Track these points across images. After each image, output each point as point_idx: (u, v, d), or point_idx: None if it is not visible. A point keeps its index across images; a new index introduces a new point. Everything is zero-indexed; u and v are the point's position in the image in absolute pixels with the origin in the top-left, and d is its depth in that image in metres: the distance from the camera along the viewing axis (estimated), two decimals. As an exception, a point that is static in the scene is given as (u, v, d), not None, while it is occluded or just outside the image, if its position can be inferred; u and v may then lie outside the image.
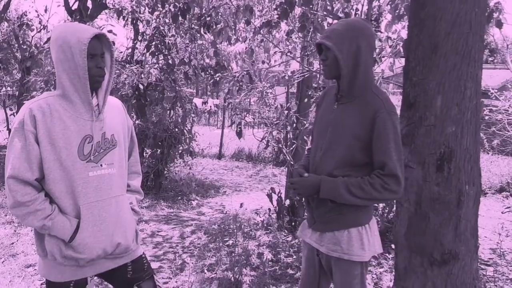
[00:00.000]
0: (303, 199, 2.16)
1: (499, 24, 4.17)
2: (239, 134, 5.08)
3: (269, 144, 5.38)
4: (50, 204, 1.76)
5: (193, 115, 7.33)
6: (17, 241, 4.59)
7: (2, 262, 4.04)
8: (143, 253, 2.05)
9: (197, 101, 8.24)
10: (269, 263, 4.15)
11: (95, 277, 1.94)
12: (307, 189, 1.94)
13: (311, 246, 2.11)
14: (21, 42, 8.67)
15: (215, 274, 3.83)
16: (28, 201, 1.72)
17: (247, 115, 5.67)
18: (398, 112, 2.45)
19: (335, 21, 4.65)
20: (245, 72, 5.43)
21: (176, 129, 6.96)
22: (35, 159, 1.73)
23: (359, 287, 2.00)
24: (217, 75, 5.35)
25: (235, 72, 5.45)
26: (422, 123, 2.08)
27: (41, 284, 3.60)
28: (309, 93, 5.09)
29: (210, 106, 17.74)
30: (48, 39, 9.43)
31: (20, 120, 1.74)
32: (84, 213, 1.79)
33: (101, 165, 1.85)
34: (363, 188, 1.82)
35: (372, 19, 4.33)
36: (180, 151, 7.21)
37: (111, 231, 1.85)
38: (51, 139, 1.74)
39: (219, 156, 11.61)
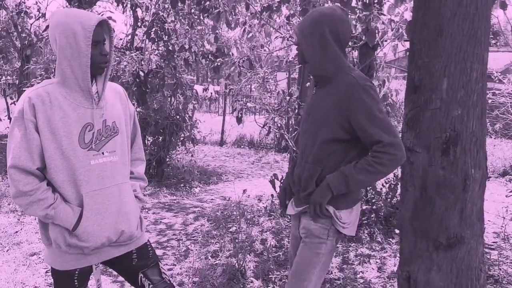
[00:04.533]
0: (291, 179, 2.18)
1: (504, 5, 4.10)
2: (239, 120, 5.05)
3: (271, 130, 5.35)
4: (53, 193, 1.75)
5: (194, 102, 7.29)
6: (21, 229, 4.60)
7: (7, 251, 4.05)
8: (148, 240, 2.04)
9: (198, 88, 8.18)
10: (273, 249, 4.16)
11: (100, 265, 1.93)
12: (322, 198, 1.94)
13: (296, 224, 2.15)
14: (20, 30, 8.60)
15: (219, 261, 3.84)
16: (30, 190, 1.70)
17: (249, 101, 5.63)
18: (403, 95, 2.44)
19: (337, 4, 4.59)
20: (245, 58, 5.38)
21: (178, 116, 6.93)
22: (36, 148, 1.71)
23: (316, 266, 1.98)
24: (218, 60, 5.29)
25: (235, 58, 5.40)
26: (428, 107, 2.04)
27: (46, 272, 3.61)
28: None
29: (211, 93, 17.67)
30: (47, 26, 9.35)
31: (20, 109, 1.72)
32: (87, 202, 1.77)
33: (102, 153, 1.83)
34: (371, 171, 1.85)
35: (375, 1, 4.26)
36: (181, 138, 7.20)
37: (114, 219, 1.84)
38: (51, 127, 1.72)
39: (221, 143, 11.60)
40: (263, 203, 5.77)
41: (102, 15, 6.75)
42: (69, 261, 1.81)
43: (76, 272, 1.84)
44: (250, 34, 5.00)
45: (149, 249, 2.03)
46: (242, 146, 11.36)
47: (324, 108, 1.95)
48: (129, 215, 1.90)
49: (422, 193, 2.08)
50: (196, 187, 6.90)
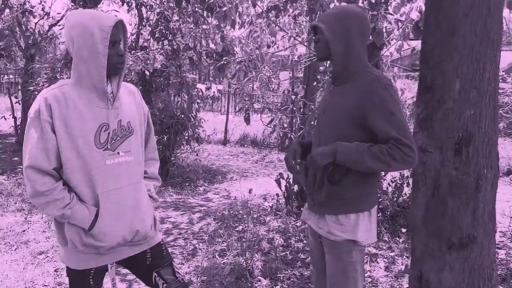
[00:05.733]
0: (305, 179, 2.13)
1: (511, 5, 4.10)
2: (247, 120, 5.07)
3: (276, 129, 5.37)
4: (69, 193, 1.76)
5: (198, 101, 7.30)
6: (28, 228, 4.62)
7: (15, 250, 4.07)
8: (162, 239, 2.05)
9: (201, 87, 8.18)
10: (280, 248, 4.17)
11: (115, 264, 1.94)
12: (323, 157, 1.90)
13: (313, 230, 2.11)
14: (24, 29, 8.61)
15: (227, 260, 3.86)
16: (47, 190, 1.71)
17: (254, 101, 5.64)
18: (407, 94, 2.44)
19: (343, 3, 4.59)
20: (251, 57, 5.39)
21: (182, 115, 6.94)
22: (52, 148, 1.72)
23: (353, 275, 1.96)
24: (224, 58, 5.30)
25: (241, 57, 5.41)
26: (440, 107, 2.05)
27: (55, 270, 3.63)
28: (318, 77, 5.05)
29: (214, 92, 17.65)
30: (51, 26, 9.37)
31: (36, 110, 1.73)
32: (102, 202, 1.78)
33: (118, 153, 1.84)
34: (381, 159, 1.80)
35: (382, 1, 4.26)
36: (186, 138, 7.21)
37: (129, 218, 1.85)
38: (67, 128, 1.73)
39: (224, 142, 11.60)
40: (268, 202, 5.78)
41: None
42: (85, 261, 1.83)
43: (92, 272, 1.85)
44: (256, 34, 5.00)
45: (163, 248, 2.04)
46: (245, 145, 11.36)
47: (341, 105, 1.92)
48: (144, 214, 1.91)
49: (434, 193, 2.09)
50: (201, 186, 6.91)
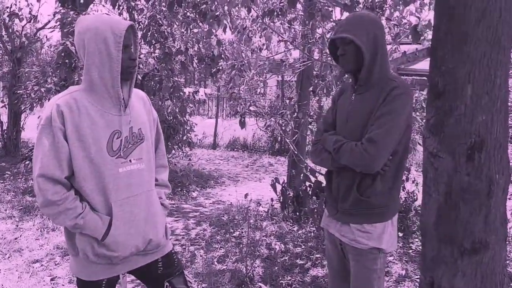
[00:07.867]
0: (325, 188, 2.14)
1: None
2: (243, 124, 5.04)
3: (267, 133, 5.35)
4: (81, 202, 1.72)
5: (191, 105, 7.24)
6: (20, 236, 4.52)
7: (8, 258, 3.97)
8: (173, 248, 2.01)
9: (190, 91, 8.13)
10: (278, 254, 4.14)
11: (127, 274, 1.90)
12: None
13: (334, 236, 2.10)
14: (11, 32, 8.46)
15: (226, 266, 3.82)
16: (59, 200, 1.66)
17: (250, 104, 5.62)
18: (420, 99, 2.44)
19: (337, 8, 4.61)
20: (245, 62, 5.37)
21: (174, 120, 6.88)
22: (65, 156, 1.68)
23: (376, 282, 1.99)
24: (220, 64, 5.28)
25: (236, 61, 5.39)
26: (452, 112, 2.04)
27: (51, 279, 3.55)
28: (315, 82, 5.05)
29: (202, 95, 17.57)
30: (38, 29, 9.22)
31: (47, 117, 1.68)
32: (115, 211, 1.74)
33: (130, 160, 1.81)
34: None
35: (377, 6, 4.28)
36: (178, 142, 7.15)
37: (142, 227, 1.82)
38: (79, 135, 1.69)
39: (214, 146, 11.54)
40: (263, 207, 5.75)
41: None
42: (96, 271, 1.78)
43: (104, 282, 1.80)
44: (253, 39, 4.99)
45: (175, 257, 2.00)
46: (235, 149, 11.31)
47: (364, 113, 1.92)
48: (156, 223, 1.87)
49: (446, 198, 2.08)
50: (194, 191, 6.85)
